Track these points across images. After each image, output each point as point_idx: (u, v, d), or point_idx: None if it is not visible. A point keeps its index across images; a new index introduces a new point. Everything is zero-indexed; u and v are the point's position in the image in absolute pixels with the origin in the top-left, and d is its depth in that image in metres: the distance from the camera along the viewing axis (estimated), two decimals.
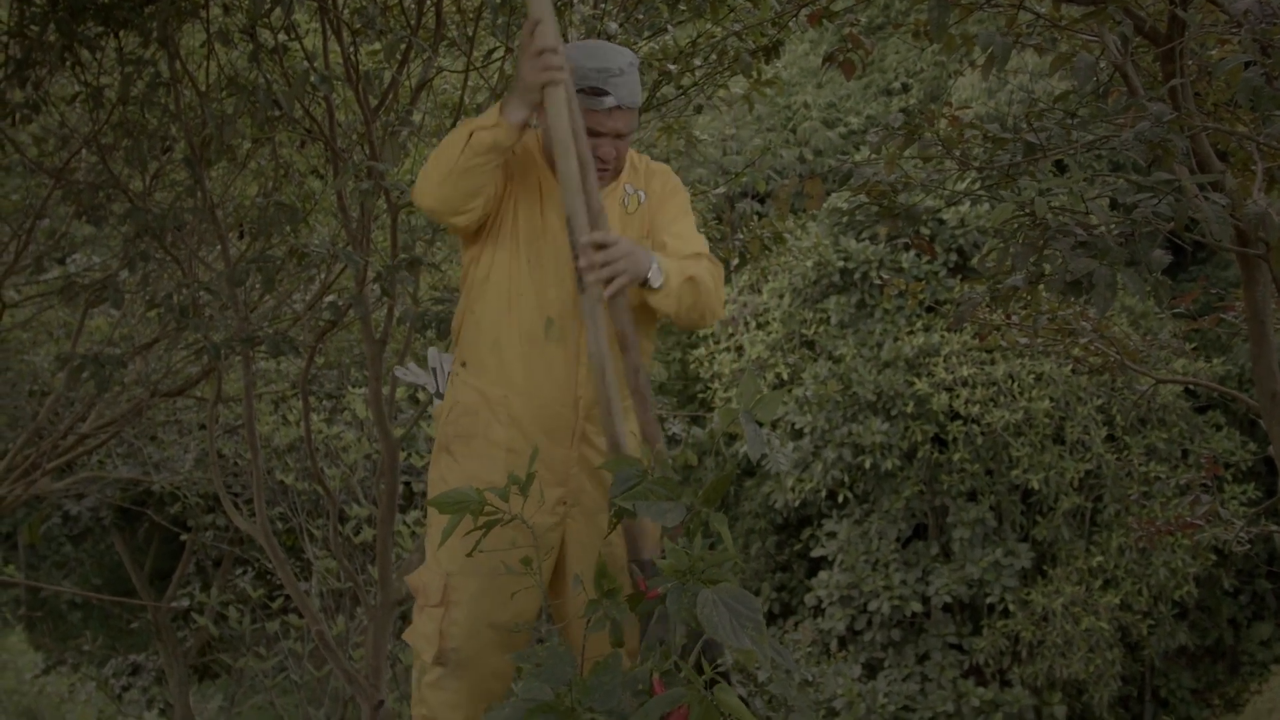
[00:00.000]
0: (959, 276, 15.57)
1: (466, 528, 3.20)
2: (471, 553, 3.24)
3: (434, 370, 4.10)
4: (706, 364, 17.93)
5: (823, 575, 15.88)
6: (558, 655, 2.87)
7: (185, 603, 14.56)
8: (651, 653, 2.99)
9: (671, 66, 6.68)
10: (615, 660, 2.83)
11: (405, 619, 11.00)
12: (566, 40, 6.37)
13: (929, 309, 16.21)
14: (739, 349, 17.71)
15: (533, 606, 3.79)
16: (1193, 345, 15.73)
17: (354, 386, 11.21)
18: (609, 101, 3.59)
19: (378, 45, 6.46)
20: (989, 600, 15.05)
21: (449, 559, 3.69)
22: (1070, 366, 13.03)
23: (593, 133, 3.60)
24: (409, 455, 11.08)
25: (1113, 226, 4.23)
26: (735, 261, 8.15)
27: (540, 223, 3.69)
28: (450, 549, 3.61)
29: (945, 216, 15.84)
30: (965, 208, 15.73)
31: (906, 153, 5.11)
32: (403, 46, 6.00)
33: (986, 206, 14.90)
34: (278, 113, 6.09)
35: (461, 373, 3.79)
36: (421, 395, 10.66)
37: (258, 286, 7.72)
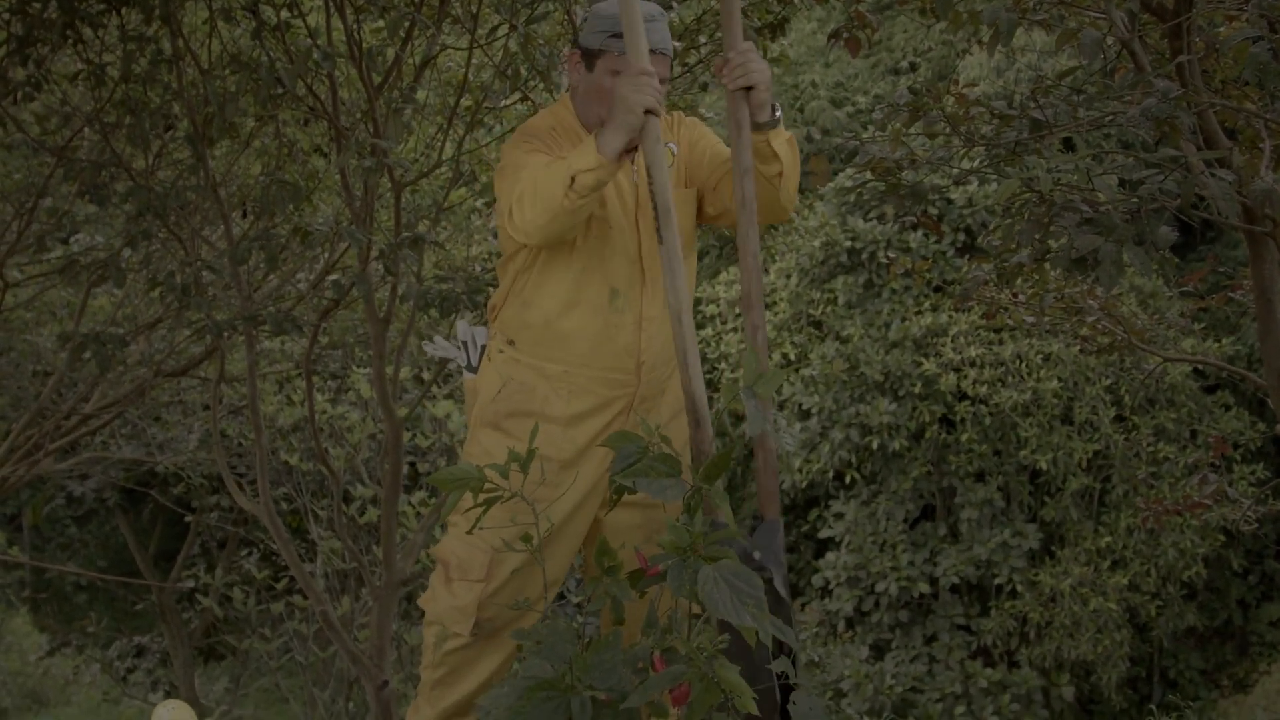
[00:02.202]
0: (967, 256, 15.52)
1: (512, 503, 3.25)
2: (471, 528, 3.27)
3: (464, 344, 4.09)
4: (714, 344, 17.88)
5: (830, 556, 15.85)
6: (558, 633, 2.87)
7: (190, 584, 14.56)
8: (654, 629, 2.98)
9: (676, 44, 6.64)
10: (615, 638, 2.82)
11: (410, 600, 11.01)
12: (569, 10, 6.36)
13: (937, 289, 16.15)
14: None
15: (562, 573, 3.93)
16: (1201, 325, 15.68)
17: (358, 366, 11.19)
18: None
19: (381, 22, 6.42)
20: (997, 581, 15.01)
21: (496, 534, 3.73)
22: (1078, 346, 13.01)
23: None
24: (413, 435, 11.05)
25: (1119, 203, 4.20)
26: None
27: (599, 196, 3.69)
28: (496, 525, 3.66)
29: (953, 196, 15.78)
30: (973, 187, 15.68)
31: (912, 129, 5.08)
32: (406, 23, 5.97)
33: (994, 186, 14.83)
34: (281, 90, 6.07)
35: (510, 351, 3.86)
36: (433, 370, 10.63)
37: (261, 265, 7.68)
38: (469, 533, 3.43)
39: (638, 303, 3.77)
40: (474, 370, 4.03)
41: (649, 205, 3.68)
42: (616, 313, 3.75)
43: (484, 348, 4.00)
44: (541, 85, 6.79)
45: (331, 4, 6.22)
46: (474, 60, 6.91)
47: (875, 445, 15.29)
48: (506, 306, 3.88)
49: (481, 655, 3.93)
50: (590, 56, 3.72)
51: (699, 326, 18.90)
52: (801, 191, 16.96)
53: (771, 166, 3.69)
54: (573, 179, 3.41)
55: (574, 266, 3.75)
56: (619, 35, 3.58)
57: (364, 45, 6.32)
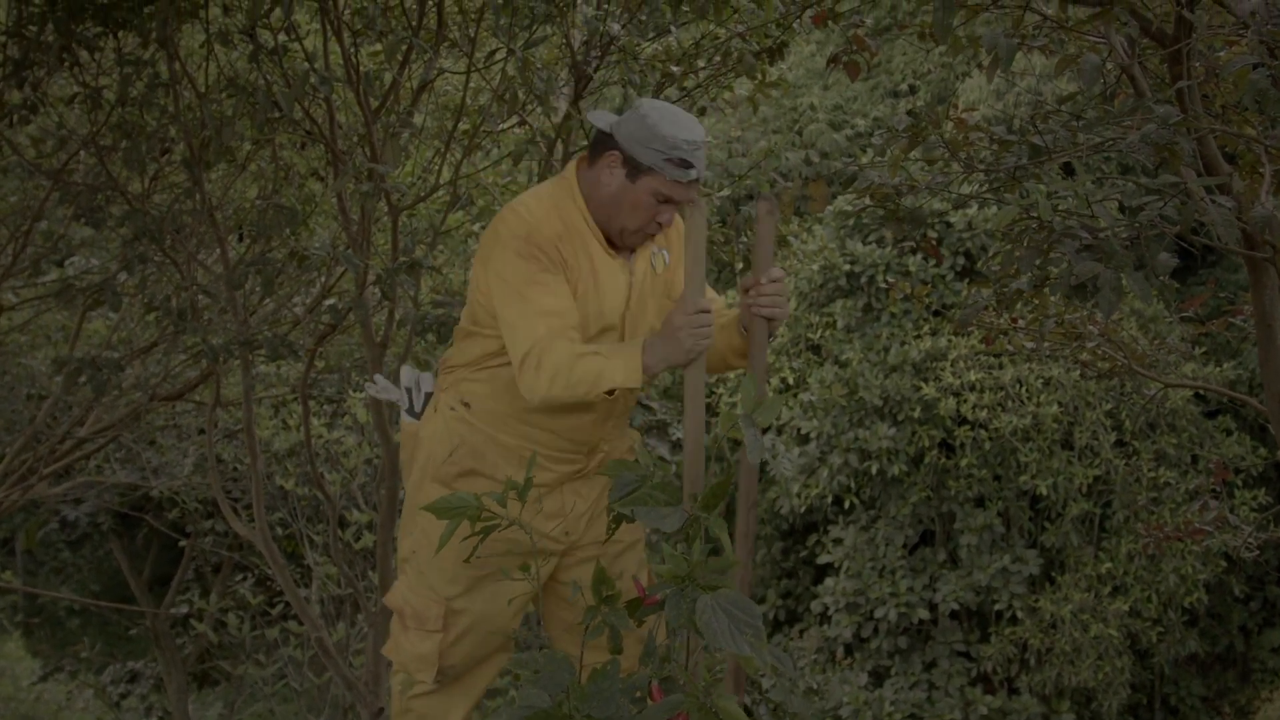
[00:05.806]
0: (966, 280, 15.48)
1: (466, 551, 3.24)
2: (469, 557, 3.27)
3: (408, 389, 4.05)
4: None
5: (829, 582, 15.79)
6: (556, 662, 2.84)
7: (184, 609, 14.53)
8: (651, 659, 2.96)
9: (675, 68, 6.63)
10: (613, 667, 2.80)
11: None
12: (567, 35, 6.34)
13: (936, 313, 16.13)
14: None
15: (515, 621, 3.95)
16: (1202, 350, 15.66)
17: (354, 391, 11.17)
18: (693, 174, 3.55)
19: (378, 46, 6.42)
20: (997, 607, 14.96)
21: (448, 584, 3.80)
22: (1079, 371, 12.98)
23: (665, 199, 3.60)
24: None
25: (1119, 229, 4.18)
26: (740, 265, 8.11)
27: (597, 302, 3.68)
28: (450, 574, 3.76)
29: (952, 220, 15.76)
30: (973, 211, 15.66)
31: (911, 155, 5.06)
32: (404, 47, 5.96)
33: (994, 210, 14.80)
34: (278, 114, 6.05)
35: (463, 412, 3.81)
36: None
37: (257, 289, 7.68)
38: (467, 560, 3.43)
39: (607, 400, 3.66)
40: (415, 416, 4.00)
41: (641, 307, 3.76)
42: (582, 407, 3.71)
43: (428, 395, 3.98)
44: (539, 109, 6.77)
45: (329, 28, 6.21)
46: (472, 84, 6.90)
47: (874, 470, 15.26)
48: (468, 373, 3.82)
49: (449, 699, 3.96)
50: (636, 169, 3.58)
51: None
52: (800, 215, 17.00)
53: None
54: (610, 391, 3.47)
55: None
56: (673, 161, 3.52)
57: (361, 69, 6.31)
